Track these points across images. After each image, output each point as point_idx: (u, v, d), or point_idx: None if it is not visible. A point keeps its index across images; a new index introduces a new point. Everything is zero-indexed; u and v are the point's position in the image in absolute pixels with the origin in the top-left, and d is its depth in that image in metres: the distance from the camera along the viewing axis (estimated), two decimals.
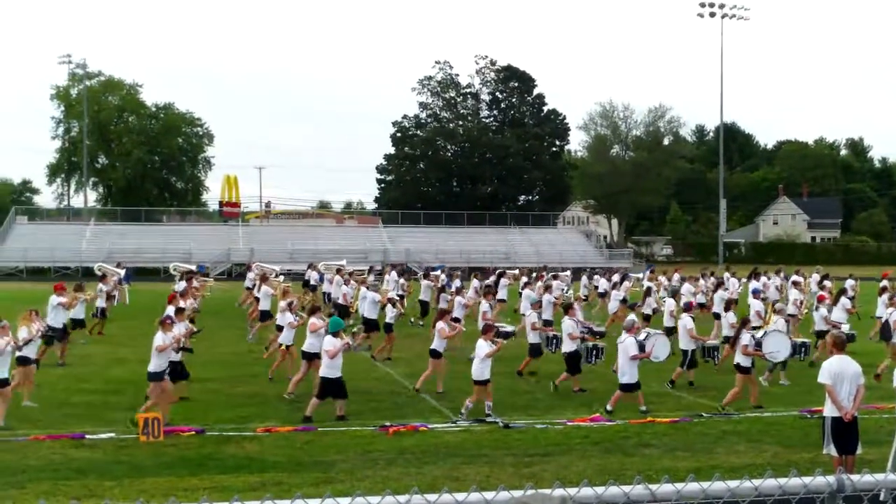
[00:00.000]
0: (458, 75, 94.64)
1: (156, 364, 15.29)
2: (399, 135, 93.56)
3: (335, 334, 15.79)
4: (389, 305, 24.67)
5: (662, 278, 36.76)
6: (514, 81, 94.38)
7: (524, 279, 33.94)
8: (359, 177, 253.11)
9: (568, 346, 19.04)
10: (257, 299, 28.35)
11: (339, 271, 33.27)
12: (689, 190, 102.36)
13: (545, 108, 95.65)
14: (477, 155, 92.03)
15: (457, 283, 32.38)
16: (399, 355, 23.47)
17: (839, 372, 11.18)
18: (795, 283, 27.23)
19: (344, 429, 15.03)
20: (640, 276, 39.77)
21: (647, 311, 26.82)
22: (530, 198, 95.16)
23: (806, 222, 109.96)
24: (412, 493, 3.23)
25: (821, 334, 22.35)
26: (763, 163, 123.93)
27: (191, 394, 17.68)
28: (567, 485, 3.49)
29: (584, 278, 40.09)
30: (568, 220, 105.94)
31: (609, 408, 16.51)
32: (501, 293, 31.96)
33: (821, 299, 24.40)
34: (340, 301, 28.71)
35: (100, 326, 27.64)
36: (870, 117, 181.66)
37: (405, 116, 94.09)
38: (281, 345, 20.10)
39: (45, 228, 72.89)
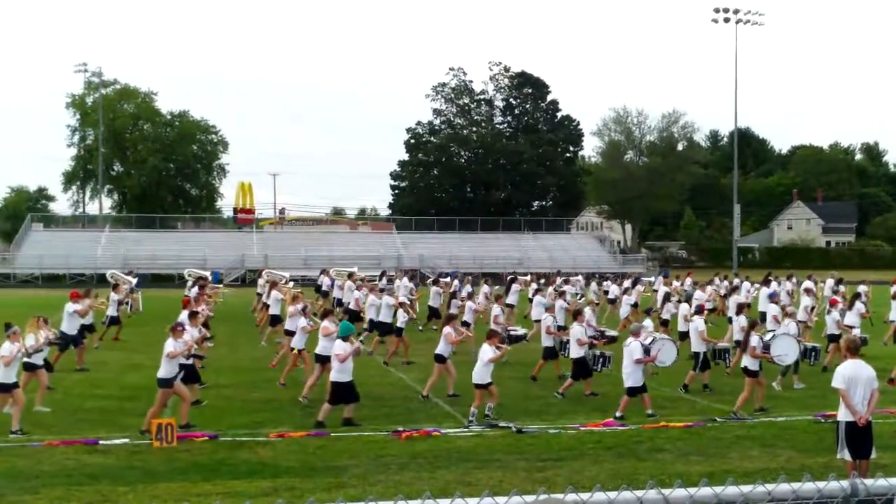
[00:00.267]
0: (471, 82, 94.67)
1: (166, 370, 15.31)
2: (413, 141, 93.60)
3: (345, 339, 15.83)
4: (401, 310, 24.71)
5: (677, 283, 36.60)
6: (527, 88, 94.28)
7: (534, 285, 33.87)
8: (373, 183, 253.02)
9: (575, 352, 19.02)
10: (267, 305, 28.68)
11: (350, 276, 33.35)
12: (703, 195, 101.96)
13: (559, 114, 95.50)
14: (491, 161, 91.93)
15: (468, 288, 32.33)
16: (412, 360, 23.48)
17: (853, 376, 11.13)
18: (807, 290, 27.05)
19: (356, 434, 15.03)
20: (653, 280, 39.61)
21: (665, 315, 26.56)
22: (544, 203, 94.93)
23: (820, 227, 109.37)
24: (424, 497, 3.23)
25: (833, 338, 22.26)
26: (777, 168, 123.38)
27: (205, 399, 17.74)
28: (580, 490, 3.48)
29: (594, 284, 40.03)
30: (582, 226, 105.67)
31: (619, 414, 16.47)
32: (511, 298, 31.97)
33: (833, 303, 24.25)
34: (352, 306, 28.80)
35: (117, 332, 27.80)
36: (885, 122, 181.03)
37: (419, 123, 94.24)
38: (293, 349, 20.14)
39: (61, 235, 73.20)
